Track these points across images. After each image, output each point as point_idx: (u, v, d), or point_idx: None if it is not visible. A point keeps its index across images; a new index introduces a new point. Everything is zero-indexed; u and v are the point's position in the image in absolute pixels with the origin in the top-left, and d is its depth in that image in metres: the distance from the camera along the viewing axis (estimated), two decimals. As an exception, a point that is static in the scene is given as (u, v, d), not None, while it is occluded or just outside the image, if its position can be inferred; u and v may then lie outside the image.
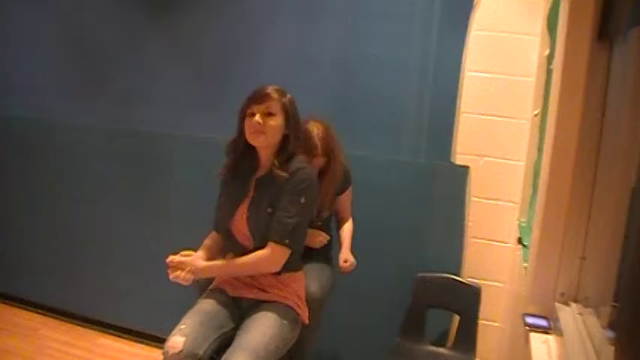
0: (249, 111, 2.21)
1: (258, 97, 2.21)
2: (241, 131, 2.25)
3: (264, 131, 2.19)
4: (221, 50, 3.36)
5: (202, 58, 3.42)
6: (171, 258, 2.24)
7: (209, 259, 2.35)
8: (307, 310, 2.36)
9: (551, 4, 2.52)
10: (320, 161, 2.62)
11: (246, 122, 2.22)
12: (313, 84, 3.09)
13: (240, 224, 2.27)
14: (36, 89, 3.84)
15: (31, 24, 3.80)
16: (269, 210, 2.22)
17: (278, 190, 2.21)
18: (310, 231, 2.53)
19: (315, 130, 2.63)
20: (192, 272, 2.21)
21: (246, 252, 2.24)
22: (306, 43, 3.17)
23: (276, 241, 2.19)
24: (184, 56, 3.45)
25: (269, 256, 2.20)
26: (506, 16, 2.83)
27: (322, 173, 2.63)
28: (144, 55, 3.53)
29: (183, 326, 2.10)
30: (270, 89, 2.22)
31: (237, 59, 3.31)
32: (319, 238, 2.64)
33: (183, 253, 2.28)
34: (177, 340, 2.04)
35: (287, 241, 2.18)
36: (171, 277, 2.22)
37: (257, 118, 2.18)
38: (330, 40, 3.13)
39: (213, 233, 2.44)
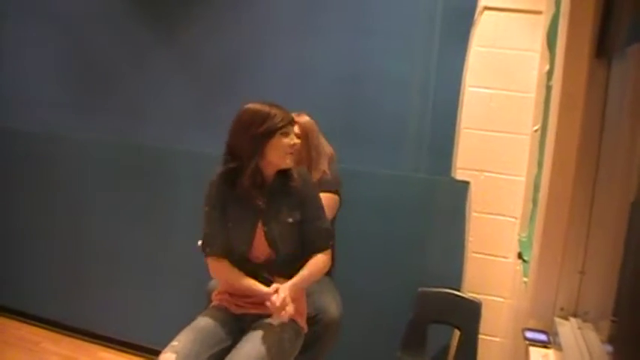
0: (284, 130, 2.20)
1: (292, 120, 2.24)
2: (254, 150, 2.19)
3: (294, 152, 2.26)
4: (224, 66, 3.38)
5: (206, 74, 3.44)
6: (275, 300, 2.12)
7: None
8: (320, 328, 2.41)
9: (550, 20, 2.54)
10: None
11: (279, 142, 2.19)
12: (315, 99, 3.10)
13: (259, 241, 2.26)
14: (40, 103, 3.86)
15: (36, 39, 3.84)
16: (290, 220, 2.25)
17: (291, 198, 2.25)
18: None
19: (302, 119, 2.73)
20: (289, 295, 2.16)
21: (262, 269, 2.23)
22: (308, 59, 3.20)
23: (322, 250, 2.30)
24: (188, 71, 3.48)
25: (325, 263, 2.30)
26: (507, 32, 2.86)
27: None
28: (148, 70, 3.56)
29: (176, 343, 2.08)
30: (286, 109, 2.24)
31: (241, 75, 3.33)
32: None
33: (274, 287, 2.17)
34: (167, 357, 2.03)
35: (331, 242, 2.33)
36: (286, 318, 2.16)
37: (295, 139, 2.24)
38: (332, 55, 3.15)
39: (222, 260, 2.30)
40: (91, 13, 3.69)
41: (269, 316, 2.24)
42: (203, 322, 2.22)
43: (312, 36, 3.18)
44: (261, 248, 2.26)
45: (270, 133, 2.17)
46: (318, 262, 2.28)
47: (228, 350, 2.15)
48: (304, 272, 2.25)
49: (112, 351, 3.70)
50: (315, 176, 2.68)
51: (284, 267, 2.25)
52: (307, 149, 2.73)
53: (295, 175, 2.27)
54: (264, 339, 2.13)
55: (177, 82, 3.50)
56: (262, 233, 2.25)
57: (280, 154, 2.20)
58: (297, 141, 2.22)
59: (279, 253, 2.26)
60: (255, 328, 2.19)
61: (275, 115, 2.18)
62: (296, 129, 2.68)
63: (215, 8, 3.37)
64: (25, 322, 3.98)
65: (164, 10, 3.50)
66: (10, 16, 3.91)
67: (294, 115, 2.69)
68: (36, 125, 3.89)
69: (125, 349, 3.69)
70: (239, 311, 2.30)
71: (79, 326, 3.83)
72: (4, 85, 3.99)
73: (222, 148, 2.30)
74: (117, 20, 3.62)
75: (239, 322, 2.28)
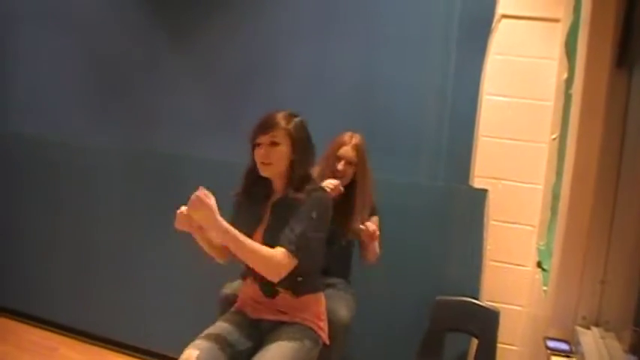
0: (256, 141, 2.22)
1: (263, 127, 2.21)
2: (254, 159, 2.26)
3: (270, 162, 2.20)
4: (240, 72, 3.39)
5: (221, 80, 3.45)
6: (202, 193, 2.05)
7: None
8: (328, 330, 2.36)
9: (569, 28, 2.54)
10: (347, 169, 2.71)
11: (255, 153, 2.23)
12: (331, 107, 3.12)
13: None
14: (53, 109, 3.90)
15: (52, 44, 3.87)
16: None
17: (295, 211, 2.21)
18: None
19: (349, 137, 2.76)
20: (208, 213, 2.03)
21: (263, 277, 2.19)
22: (324, 66, 3.21)
23: (282, 245, 2.13)
24: (203, 78, 3.49)
25: (275, 257, 2.11)
26: (524, 40, 2.86)
27: (351, 186, 2.73)
28: (163, 76, 3.58)
29: (199, 341, 2.12)
30: (275, 116, 2.22)
31: (256, 82, 3.34)
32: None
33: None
34: (191, 353, 2.05)
35: (293, 247, 2.11)
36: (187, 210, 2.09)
37: (262, 149, 2.20)
38: (349, 63, 3.15)
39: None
40: (105, 19, 3.72)
41: (285, 322, 2.26)
42: (224, 325, 2.25)
43: (329, 44, 3.19)
44: None
45: (251, 142, 2.24)
46: (269, 253, 2.11)
47: (246, 354, 2.17)
48: (250, 241, 2.12)
49: (128, 357, 3.71)
50: (367, 204, 2.77)
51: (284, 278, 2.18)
52: (362, 172, 2.76)
53: (307, 190, 2.23)
54: (286, 346, 2.14)
55: (193, 89, 3.52)
56: (259, 242, 2.21)
57: (257, 163, 2.23)
58: (263, 151, 2.19)
59: None
60: (274, 335, 2.20)
61: (256, 124, 2.23)
62: (350, 151, 2.73)
63: (231, 15, 3.39)
64: (41, 327, 3.99)
65: (180, 17, 3.52)
66: (24, 21, 3.95)
67: (347, 135, 2.72)
68: (49, 130, 3.93)
69: (140, 355, 3.70)
70: (255, 315, 2.32)
71: (95, 332, 3.84)
72: (17, 90, 4.03)
73: (236, 156, 2.37)
74: (132, 26, 3.65)
75: (256, 328, 2.29)
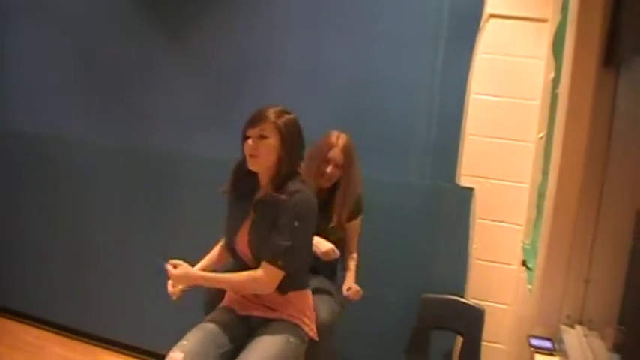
0: (246, 134, 2.22)
1: (253, 120, 2.21)
2: (244, 153, 2.26)
3: (257, 154, 2.19)
4: (234, 69, 3.38)
5: (216, 77, 3.43)
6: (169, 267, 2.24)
7: (207, 267, 2.46)
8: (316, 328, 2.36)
9: (556, 28, 2.55)
10: (335, 172, 2.69)
11: (244, 146, 2.23)
12: (323, 104, 3.12)
13: (243, 246, 2.27)
14: (48, 106, 3.87)
15: (45, 42, 3.84)
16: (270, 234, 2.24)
17: (277, 213, 2.19)
18: (318, 240, 2.54)
19: (336, 138, 2.71)
20: (185, 278, 2.23)
21: (250, 269, 2.23)
22: (317, 62, 3.20)
23: (268, 261, 2.16)
24: (198, 75, 3.48)
25: (260, 277, 2.16)
26: (512, 39, 2.87)
27: (337, 185, 2.72)
28: (158, 74, 3.55)
29: (185, 342, 2.10)
30: (265, 111, 2.22)
31: (249, 78, 3.33)
32: (327, 250, 2.56)
33: (172, 262, 2.25)
34: (176, 356, 2.03)
35: (280, 262, 2.14)
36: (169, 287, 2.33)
37: (250, 141, 2.19)
38: (341, 60, 3.15)
39: (222, 244, 2.48)
40: (99, 16, 3.69)
41: (273, 319, 2.26)
42: (211, 323, 2.23)
43: (322, 40, 3.19)
44: (245, 252, 2.28)
45: (241, 135, 2.24)
46: (250, 276, 2.19)
47: (235, 351, 2.16)
48: (232, 276, 2.23)
49: (120, 355, 3.69)
50: (349, 204, 2.73)
51: None
52: (347, 175, 2.72)
53: (290, 190, 2.20)
54: (272, 343, 2.14)
55: (187, 86, 3.50)
56: (246, 241, 2.25)
57: (247, 156, 2.23)
58: (251, 143, 2.19)
59: (258, 260, 2.23)
60: (262, 332, 2.20)
61: (248, 118, 2.24)
62: (338, 153, 2.70)
63: (225, 12, 3.37)
64: (32, 325, 3.97)
65: (174, 14, 3.49)
66: (18, 19, 3.91)
67: (334, 136, 2.70)
68: (44, 128, 3.89)
69: (132, 353, 3.68)
70: (243, 312, 2.31)
71: (86, 330, 3.82)
72: (15, 89, 3.99)
73: (230, 153, 2.35)
74: (126, 23, 3.62)
75: (245, 326, 2.29)
